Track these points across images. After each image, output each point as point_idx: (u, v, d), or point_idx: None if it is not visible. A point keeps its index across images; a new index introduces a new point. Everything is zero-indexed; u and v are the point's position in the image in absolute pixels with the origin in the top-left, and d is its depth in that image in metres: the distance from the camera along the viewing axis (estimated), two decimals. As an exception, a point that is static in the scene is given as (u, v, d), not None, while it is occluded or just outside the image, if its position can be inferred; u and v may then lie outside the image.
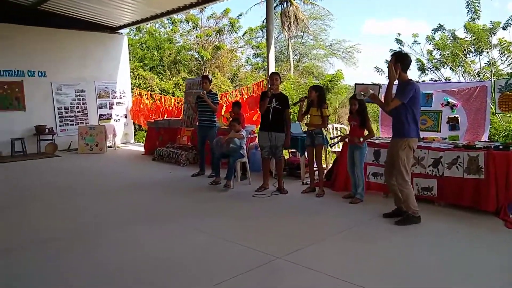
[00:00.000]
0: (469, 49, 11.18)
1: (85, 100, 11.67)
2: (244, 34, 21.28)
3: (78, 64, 11.38)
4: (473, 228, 4.22)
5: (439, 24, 11.87)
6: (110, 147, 11.24)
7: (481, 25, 10.91)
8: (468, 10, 11.26)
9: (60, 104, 11.19)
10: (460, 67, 11.46)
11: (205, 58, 18.60)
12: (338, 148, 6.70)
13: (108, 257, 3.63)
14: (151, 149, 9.71)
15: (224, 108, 9.26)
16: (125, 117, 12.69)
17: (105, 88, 12.11)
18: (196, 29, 19.87)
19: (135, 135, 13.76)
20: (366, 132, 5.26)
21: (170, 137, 9.42)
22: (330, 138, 6.52)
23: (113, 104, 12.33)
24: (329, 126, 7.41)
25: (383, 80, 12.87)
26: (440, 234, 4.05)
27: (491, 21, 10.81)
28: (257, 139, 7.20)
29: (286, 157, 7.39)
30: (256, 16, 34.16)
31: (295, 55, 26.98)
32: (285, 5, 23.49)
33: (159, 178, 7.11)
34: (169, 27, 20.07)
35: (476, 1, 11.04)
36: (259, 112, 6.58)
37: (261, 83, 9.16)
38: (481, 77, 10.81)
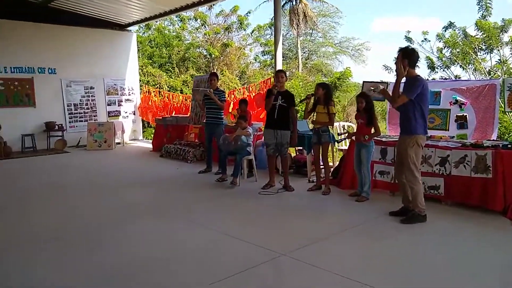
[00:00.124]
0: (480, 47, 11.06)
1: (94, 97, 11.79)
2: (253, 31, 21.27)
3: (87, 61, 11.48)
4: (480, 227, 4.18)
5: (450, 21, 11.78)
6: (119, 143, 11.34)
7: (492, 23, 10.79)
8: (479, 8, 11.14)
9: (70, 101, 11.31)
10: (470, 65, 11.34)
11: (213, 55, 18.62)
12: (345, 146, 6.68)
13: (117, 255, 3.66)
14: (159, 146, 9.76)
15: (232, 105, 9.28)
16: (134, 114, 12.79)
17: (114, 85, 12.20)
18: (205, 26, 19.89)
19: (143, 132, 13.85)
20: (372, 130, 5.23)
21: (178, 134, 9.48)
22: (338, 134, 6.50)
23: (121, 101, 12.43)
24: (336, 124, 7.39)
25: (391, 78, 12.80)
26: (446, 233, 4.02)
27: (503, 19, 10.69)
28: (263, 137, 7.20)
29: (293, 154, 7.38)
30: (265, 14, 34.35)
31: (304, 52, 26.94)
32: (294, 3, 23.45)
33: (167, 175, 7.16)
34: (178, 25, 20.12)
35: (487, -2, 10.93)
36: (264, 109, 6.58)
37: (269, 81, 9.16)
38: (491, 75, 10.70)
